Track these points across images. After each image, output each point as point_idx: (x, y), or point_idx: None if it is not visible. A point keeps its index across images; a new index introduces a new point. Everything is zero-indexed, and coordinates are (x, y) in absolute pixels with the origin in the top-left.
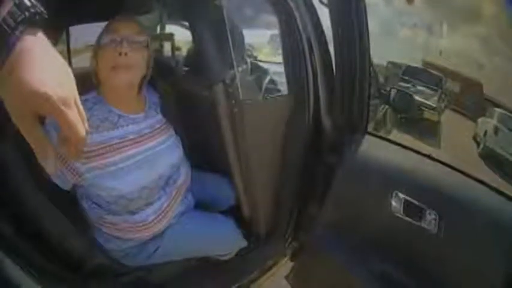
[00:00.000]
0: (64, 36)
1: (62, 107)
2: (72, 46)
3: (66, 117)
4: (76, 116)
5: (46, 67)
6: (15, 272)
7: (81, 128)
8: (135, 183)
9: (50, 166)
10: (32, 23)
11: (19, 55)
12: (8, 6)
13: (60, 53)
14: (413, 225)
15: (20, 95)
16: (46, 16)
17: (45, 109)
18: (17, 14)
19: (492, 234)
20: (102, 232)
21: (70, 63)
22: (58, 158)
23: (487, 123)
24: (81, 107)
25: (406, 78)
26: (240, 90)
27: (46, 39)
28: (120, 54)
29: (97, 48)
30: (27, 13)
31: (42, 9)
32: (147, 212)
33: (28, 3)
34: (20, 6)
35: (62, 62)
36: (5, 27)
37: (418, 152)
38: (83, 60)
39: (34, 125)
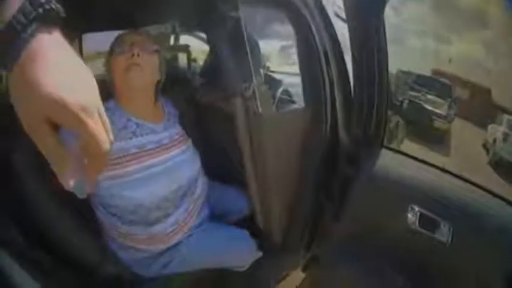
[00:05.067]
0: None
1: (82, 115)
2: (85, 53)
3: (86, 127)
4: (98, 125)
5: (63, 70)
6: (26, 279)
7: (105, 140)
8: (154, 193)
9: (67, 180)
10: (46, 20)
11: (31, 56)
12: (19, 2)
13: None
14: (429, 238)
15: (33, 101)
16: (63, 13)
17: (62, 118)
18: (29, 11)
19: (506, 246)
20: (117, 241)
21: None
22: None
23: (496, 130)
24: (105, 116)
25: (416, 87)
26: (258, 103)
27: (63, 39)
28: (133, 55)
29: (109, 59)
30: (40, 10)
31: (58, 5)
32: (165, 224)
33: None
34: (32, 2)
35: (82, 65)
36: (16, 25)
37: (432, 165)
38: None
39: (49, 135)
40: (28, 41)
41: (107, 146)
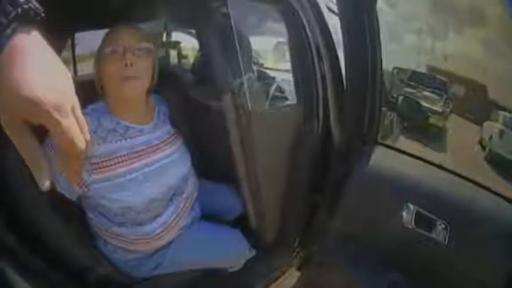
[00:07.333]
0: (69, 42)
1: (55, 115)
2: (78, 53)
3: (60, 126)
4: (72, 125)
5: (39, 69)
6: (17, 281)
7: (79, 139)
8: (144, 195)
9: (43, 182)
10: (25, 20)
11: (9, 55)
12: None
13: (66, 59)
14: (424, 236)
15: (9, 100)
16: (42, 13)
17: (36, 116)
18: (9, 10)
19: (504, 244)
20: (108, 243)
21: (75, 70)
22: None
23: (492, 126)
24: (80, 116)
25: (412, 83)
26: (248, 100)
27: (42, 38)
28: (126, 65)
29: (99, 59)
30: (20, 9)
31: (37, 5)
32: (155, 224)
33: None
34: (12, 1)
35: (59, 64)
36: None
37: (428, 162)
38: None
39: (25, 134)
40: (7, 40)
41: (81, 145)
